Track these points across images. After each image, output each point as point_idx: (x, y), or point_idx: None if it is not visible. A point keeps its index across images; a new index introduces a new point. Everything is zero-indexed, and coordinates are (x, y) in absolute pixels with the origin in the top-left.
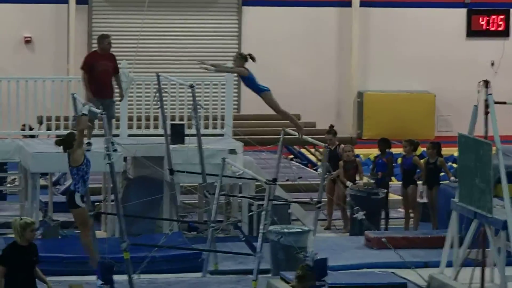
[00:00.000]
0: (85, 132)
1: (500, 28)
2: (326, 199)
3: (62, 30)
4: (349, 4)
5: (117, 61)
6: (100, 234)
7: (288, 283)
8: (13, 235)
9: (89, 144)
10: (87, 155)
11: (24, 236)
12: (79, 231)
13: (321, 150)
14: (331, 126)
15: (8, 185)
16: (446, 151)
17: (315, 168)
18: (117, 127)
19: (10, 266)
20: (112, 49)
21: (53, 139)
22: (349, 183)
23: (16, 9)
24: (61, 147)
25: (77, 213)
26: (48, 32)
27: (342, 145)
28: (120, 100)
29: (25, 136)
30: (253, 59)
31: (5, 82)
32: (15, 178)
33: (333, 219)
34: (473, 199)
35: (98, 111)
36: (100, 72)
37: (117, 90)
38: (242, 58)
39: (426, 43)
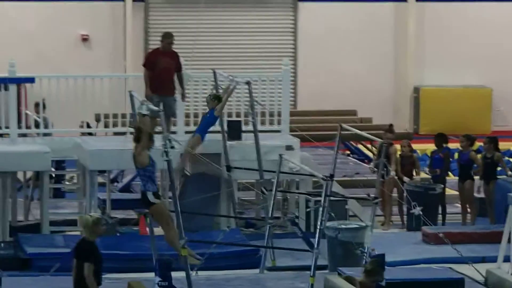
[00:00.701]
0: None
1: None
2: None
3: (119, 27)
4: None
5: None
6: (158, 231)
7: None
8: (71, 232)
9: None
10: (152, 155)
11: (96, 231)
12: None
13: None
14: (391, 125)
15: (67, 182)
16: (503, 145)
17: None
18: (174, 124)
19: (96, 263)
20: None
21: (110, 137)
22: (406, 179)
23: (73, 7)
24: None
25: (155, 210)
26: (105, 29)
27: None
28: (182, 99)
29: (83, 134)
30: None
31: (63, 80)
32: (73, 176)
33: (393, 214)
34: None
35: (156, 108)
36: (162, 69)
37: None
38: (215, 99)
39: (482, 37)
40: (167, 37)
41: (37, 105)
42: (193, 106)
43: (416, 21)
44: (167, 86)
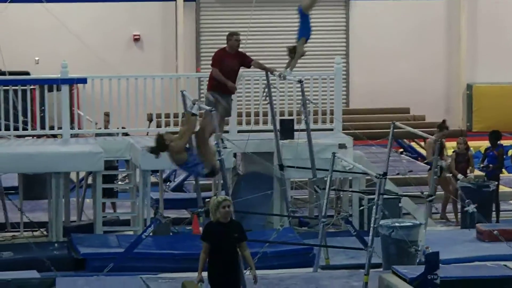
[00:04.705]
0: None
1: None
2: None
3: (170, 27)
4: None
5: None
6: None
7: (400, 277)
8: (124, 232)
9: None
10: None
11: (216, 213)
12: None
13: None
14: (444, 121)
15: (120, 182)
16: None
17: (425, 161)
18: (227, 123)
19: (212, 242)
20: (220, 45)
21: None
22: (460, 176)
23: (125, 8)
24: (155, 153)
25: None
26: (157, 30)
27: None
28: (271, 73)
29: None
30: None
31: (116, 80)
32: (126, 176)
33: (447, 212)
34: None
35: (208, 108)
36: (224, 70)
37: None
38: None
39: None
40: (232, 35)
41: (107, 114)
42: (246, 105)
43: (468, 18)
44: (225, 87)
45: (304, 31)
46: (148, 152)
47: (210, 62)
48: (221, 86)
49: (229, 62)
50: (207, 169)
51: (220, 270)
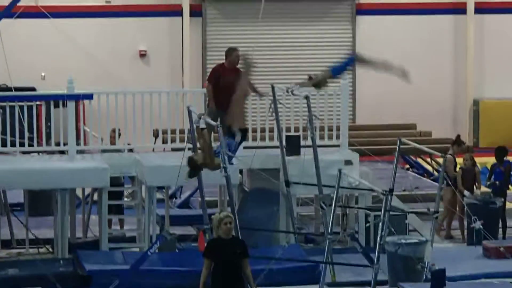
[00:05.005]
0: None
1: None
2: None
3: (176, 43)
4: (463, 11)
5: None
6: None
7: None
8: (130, 248)
9: None
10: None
11: (218, 230)
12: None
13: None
14: (459, 136)
15: (125, 199)
16: None
17: (432, 178)
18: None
19: (214, 259)
20: None
21: (168, 153)
22: (466, 192)
23: (131, 23)
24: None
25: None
26: (163, 45)
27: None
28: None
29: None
30: None
31: (122, 95)
32: (132, 192)
33: (452, 228)
34: None
35: (214, 123)
36: (223, 86)
37: None
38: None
39: None
40: (233, 51)
41: (113, 131)
42: (252, 121)
43: (475, 33)
44: (226, 103)
45: (337, 70)
46: (187, 178)
47: None
48: (217, 102)
49: (227, 77)
50: (237, 136)
51: (223, 287)
